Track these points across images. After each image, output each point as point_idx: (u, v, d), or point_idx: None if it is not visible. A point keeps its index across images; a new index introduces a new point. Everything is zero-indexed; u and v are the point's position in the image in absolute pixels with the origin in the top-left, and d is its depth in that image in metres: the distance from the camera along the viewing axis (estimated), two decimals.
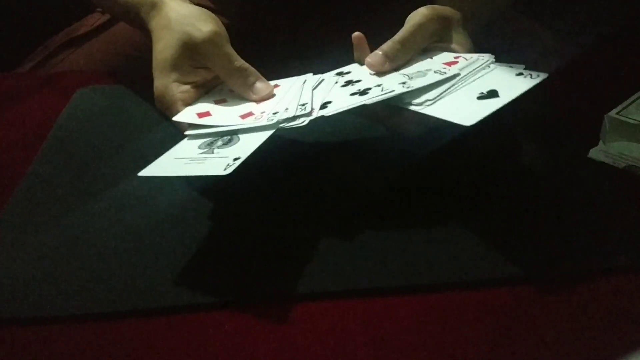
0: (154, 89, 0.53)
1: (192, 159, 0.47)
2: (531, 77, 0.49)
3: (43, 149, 0.57)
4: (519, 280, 0.44)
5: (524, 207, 0.51)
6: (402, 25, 0.56)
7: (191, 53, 0.53)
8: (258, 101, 0.53)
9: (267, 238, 0.47)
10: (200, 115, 0.52)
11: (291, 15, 0.76)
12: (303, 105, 0.50)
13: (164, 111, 0.54)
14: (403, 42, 0.53)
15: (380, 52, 0.53)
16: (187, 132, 0.52)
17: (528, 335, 0.40)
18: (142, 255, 0.45)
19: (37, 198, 0.51)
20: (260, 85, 0.54)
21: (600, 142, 0.56)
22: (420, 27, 0.54)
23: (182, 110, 0.53)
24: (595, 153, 0.57)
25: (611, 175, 0.55)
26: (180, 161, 0.48)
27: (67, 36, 0.81)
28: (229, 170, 0.43)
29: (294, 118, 0.49)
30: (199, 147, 0.49)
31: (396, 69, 0.53)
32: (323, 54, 0.60)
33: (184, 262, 0.45)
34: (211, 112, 0.53)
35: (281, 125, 0.48)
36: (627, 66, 0.73)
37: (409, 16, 0.55)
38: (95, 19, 0.81)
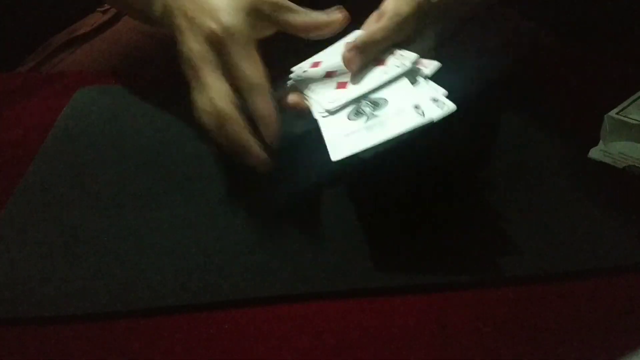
0: (226, 19, 0.47)
1: (365, 128, 0.46)
2: (422, 115, 0.45)
3: (43, 149, 0.57)
4: (519, 280, 0.44)
5: (524, 207, 0.51)
6: None
7: (259, 6, 0.49)
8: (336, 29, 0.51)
9: (267, 238, 0.47)
10: (340, 85, 0.50)
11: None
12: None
13: (230, 47, 0.47)
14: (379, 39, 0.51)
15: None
16: (329, 107, 0.49)
17: (528, 335, 0.40)
18: (142, 255, 0.45)
19: (37, 198, 0.51)
20: (336, 14, 0.51)
21: (600, 142, 0.56)
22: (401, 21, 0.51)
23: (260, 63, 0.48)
24: (595, 153, 0.57)
25: (611, 175, 0.55)
26: (355, 135, 0.45)
27: (67, 36, 0.81)
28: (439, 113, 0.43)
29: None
30: (350, 119, 0.47)
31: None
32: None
33: (184, 262, 0.45)
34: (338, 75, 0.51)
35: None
36: (627, 66, 0.73)
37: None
38: (96, 19, 0.81)
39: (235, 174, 0.54)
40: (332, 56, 0.56)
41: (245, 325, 0.41)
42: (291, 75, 0.56)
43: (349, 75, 0.52)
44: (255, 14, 0.49)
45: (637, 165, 0.54)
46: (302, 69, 0.57)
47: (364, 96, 0.50)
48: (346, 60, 0.51)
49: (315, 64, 0.57)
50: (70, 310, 0.41)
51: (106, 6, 0.82)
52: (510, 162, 0.57)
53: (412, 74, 0.50)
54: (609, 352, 0.39)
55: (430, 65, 0.51)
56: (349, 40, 0.54)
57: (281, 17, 0.50)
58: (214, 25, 0.47)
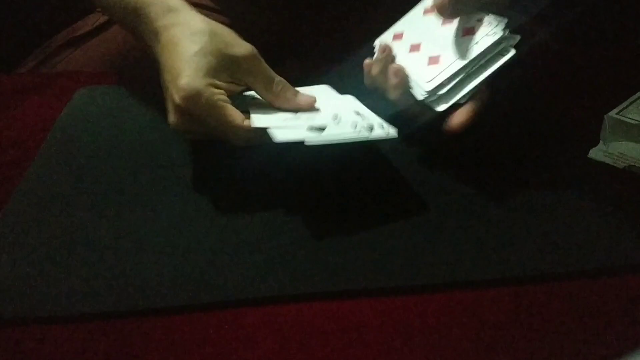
0: (183, 87, 0.50)
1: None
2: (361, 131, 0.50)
3: (43, 149, 0.57)
4: (519, 280, 0.44)
5: (524, 207, 0.51)
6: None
7: (231, 65, 0.52)
8: (304, 108, 0.54)
9: (266, 238, 0.47)
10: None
11: (290, 15, 0.76)
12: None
13: (189, 115, 0.51)
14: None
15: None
16: (429, 88, 0.52)
17: (528, 335, 0.40)
18: (142, 255, 0.45)
19: (37, 198, 0.51)
20: (302, 98, 0.54)
21: (600, 142, 0.56)
22: None
23: (228, 109, 0.51)
24: (595, 153, 0.57)
25: (611, 175, 0.55)
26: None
27: (67, 36, 0.81)
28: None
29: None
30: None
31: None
32: (321, 52, 0.60)
33: (184, 262, 0.45)
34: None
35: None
36: (627, 66, 0.73)
37: None
38: (95, 19, 0.81)
39: (235, 174, 0.54)
40: (412, 25, 0.57)
41: (245, 326, 0.41)
42: (376, 49, 0.57)
43: (437, 46, 0.53)
44: (216, 74, 0.51)
45: (637, 165, 0.55)
46: (384, 42, 0.57)
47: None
48: (439, 6, 0.52)
49: (398, 36, 0.57)
50: (70, 310, 0.41)
51: None
52: (510, 163, 0.57)
53: (502, 44, 0.52)
54: (609, 352, 0.39)
55: (515, 38, 0.52)
56: (427, 5, 0.55)
57: (244, 81, 0.53)
58: (175, 97, 0.50)
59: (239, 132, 0.51)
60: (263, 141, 0.50)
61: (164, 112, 0.63)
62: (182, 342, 0.40)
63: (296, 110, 0.54)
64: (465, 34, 0.53)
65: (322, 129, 0.49)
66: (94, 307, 0.41)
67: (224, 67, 0.52)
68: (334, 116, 0.52)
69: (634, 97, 0.58)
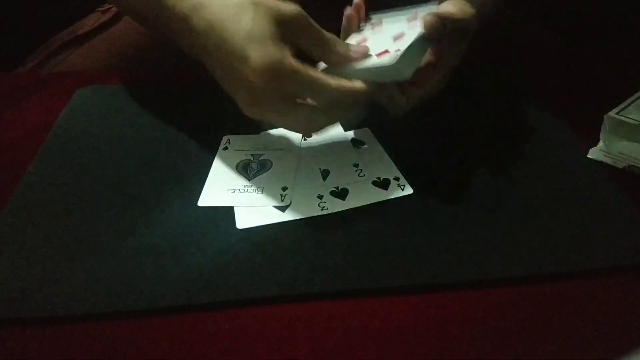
0: (259, 64, 0.45)
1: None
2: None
3: (43, 149, 0.57)
4: (519, 280, 0.44)
5: (524, 207, 0.51)
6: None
7: (286, 28, 0.48)
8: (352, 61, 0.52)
9: (266, 238, 0.47)
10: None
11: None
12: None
13: (277, 84, 0.46)
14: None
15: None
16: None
17: (528, 335, 0.40)
18: (142, 255, 0.45)
19: (37, 198, 0.51)
20: (354, 49, 0.52)
21: (600, 142, 0.56)
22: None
23: (309, 71, 0.47)
24: (595, 153, 0.57)
25: (611, 175, 0.55)
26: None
27: (67, 36, 0.81)
28: None
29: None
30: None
31: None
32: None
33: (184, 262, 0.45)
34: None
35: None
36: (627, 66, 0.73)
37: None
38: (96, 19, 0.81)
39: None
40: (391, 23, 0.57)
41: (245, 325, 0.41)
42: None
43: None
44: (280, 40, 0.47)
45: (637, 165, 0.55)
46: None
47: None
48: (427, 25, 0.51)
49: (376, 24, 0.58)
50: (70, 311, 0.41)
51: (106, 6, 0.82)
52: (510, 162, 0.57)
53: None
54: (609, 352, 0.39)
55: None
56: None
57: (296, 41, 0.49)
58: (253, 77, 0.46)
59: (334, 92, 0.47)
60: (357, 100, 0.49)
61: (164, 112, 0.63)
62: (182, 342, 0.40)
63: (349, 61, 0.51)
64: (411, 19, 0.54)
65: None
66: (94, 308, 0.41)
67: (282, 31, 0.48)
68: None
69: (634, 97, 0.58)
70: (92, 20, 0.81)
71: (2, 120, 0.63)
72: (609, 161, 0.56)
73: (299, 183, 0.53)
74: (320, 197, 0.51)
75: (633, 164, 0.55)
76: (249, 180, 0.53)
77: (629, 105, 0.57)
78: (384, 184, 0.53)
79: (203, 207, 0.50)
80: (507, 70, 0.73)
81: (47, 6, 0.89)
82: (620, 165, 0.55)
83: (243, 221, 0.49)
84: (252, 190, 0.52)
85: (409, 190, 0.52)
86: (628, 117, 0.55)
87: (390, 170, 0.54)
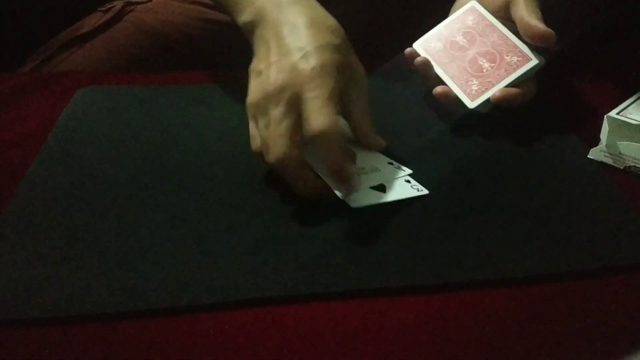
0: (325, 128, 0.46)
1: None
2: (417, 190, 0.52)
3: (43, 149, 0.57)
4: (519, 280, 0.44)
5: (524, 207, 0.51)
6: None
7: (346, 66, 0.50)
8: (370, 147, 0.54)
9: (267, 238, 0.47)
10: None
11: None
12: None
13: (336, 152, 0.47)
14: None
15: None
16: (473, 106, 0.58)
17: (528, 335, 0.40)
18: (142, 255, 0.45)
19: (37, 198, 0.51)
20: (378, 138, 0.54)
21: (600, 142, 0.56)
22: None
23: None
24: (595, 153, 0.57)
25: (611, 175, 0.55)
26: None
27: (68, 36, 0.81)
28: None
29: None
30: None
31: None
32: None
33: (184, 262, 0.45)
34: None
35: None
36: (627, 66, 0.73)
37: None
38: (96, 19, 0.81)
39: (235, 174, 0.54)
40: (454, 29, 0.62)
41: (245, 325, 0.41)
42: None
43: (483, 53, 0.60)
44: (342, 71, 0.49)
45: (637, 165, 0.54)
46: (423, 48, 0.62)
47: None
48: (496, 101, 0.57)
49: (439, 39, 0.63)
50: (70, 311, 0.41)
51: (107, 6, 0.82)
52: (511, 162, 0.57)
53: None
54: (609, 352, 0.39)
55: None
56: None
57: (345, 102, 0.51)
58: (304, 65, 0.47)
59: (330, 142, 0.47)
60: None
61: (164, 112, 0.63)
62: (182, 342, 0.40)
63: (370, 148, 0.54)
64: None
65: (382, 189, 0.51)
66: (94, 308, 0.41)
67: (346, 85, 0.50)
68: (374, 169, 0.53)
69: (634, 97, 0.58)
70: (93, 20, 0.81)
71: (2, 120, 0.63)
72: (609, 161, 0.56)
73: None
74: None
75: (633, 164, 0.55)
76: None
77: (629, 105, 0.57)
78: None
79: (204, 207, 0.50)
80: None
81: (47, 6, 0.89)
82: (621, 165, 0.55)
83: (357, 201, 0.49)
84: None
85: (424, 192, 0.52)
86: (628, 117, 0.55)
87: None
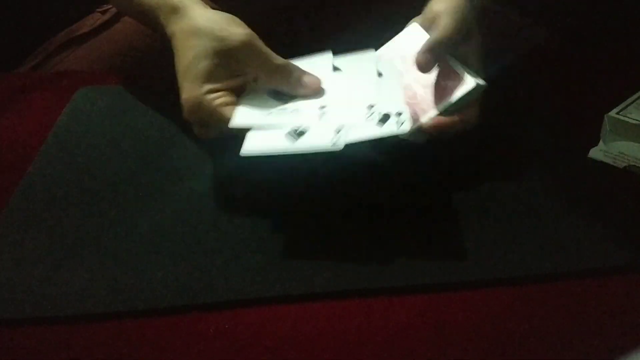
0: (184, 102, 0.50)
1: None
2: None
3: (43, 149, 0.57)
4: (519, 280, 0.44)
5: (524, 207, 0.51)
6: (402, 20, 0.56)
7: (227, 60, 0.50)
8: (307, 95, 0.52)
9: (267, 238, 0.47)
10: None
11: (290, 17, 0.76)
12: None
13: (197, 123, 0.51)
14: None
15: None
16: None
17: (528, 335, 0.40)
18: (142, 255, 0.45)
19: (37, 198, 0.51)
20: (307, 79, 0.52)
21: (600, 142, 0.56)
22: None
23: (226, 114, 0.49)
24: (595, 153, 0.57)
25: (611, 175, 0.55)
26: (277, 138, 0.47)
27: (67, 36, 0.80)
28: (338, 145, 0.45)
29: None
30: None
31: None
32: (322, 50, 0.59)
33: (184, 262, 0.45)
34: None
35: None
36: (627, 66, 0.73)
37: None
38: (95, 19, 0.81)
39: (236, 174, 0.54)
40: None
41: (245, 325, 0.41)
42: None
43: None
44: (213, 76, 0.50)
45: (637, 165, 0.55)
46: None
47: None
48: (422, 64, 0.51)
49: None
50: (70, 311, 0.41)
51: (106, 6, 0.82)
52: (510, 162, 0.57)
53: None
54: (609, 352, 0.39)
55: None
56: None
57: (245, 71, 0.51)
58: (183, 110, 0.50)
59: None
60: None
61: (164, 112, 0.63)
62: (182, 342, 0.40)
63: (302, 95, 0.52)
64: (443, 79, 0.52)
65: (301, 133, 0.47)
66: (94, 308, 0.41)
67: (222, 64, 0.50)
68: (321, 113, 0.49)
69: (634, 97, 0.58)
70: (91, 21, 0.81)
71: (2, 120, 0.63)
72: (609, 161, 0.56)
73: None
74: (338, 131, 0.47)
75: (633, 163, 0.55)
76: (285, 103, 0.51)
77: (629, 105, 0.57)
78: (384, 119, 0.48)
79: (204, 207, 0.50)
80: (507, 70, 0.73)
81: (47, 6, 0.89)
82: (621, 165, 0.55)
83: (250, 145, 0.47)
84: (287, 112, 0.50)
85: (404, 128, 0.46)
86: (628, 117, 0.55)
87: (396, 104, 0.49)
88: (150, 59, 0.78)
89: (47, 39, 0.82)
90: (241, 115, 0.49)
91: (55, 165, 0.55)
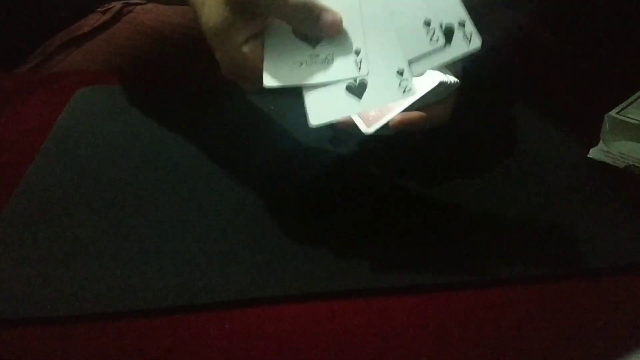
0: (222, 62, 0.47)
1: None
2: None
3: (43, 149, 0.57)
4: (518, 280, 0.44)
5: (524, 207, 0.51)
6: None
7: (242, 6, 0.46)
8: (329, 35, 0.45)
9: (267, 238, 0.47)
10: None
11: None
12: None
13: (238, 79, 0.48)
14: None
15: None
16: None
17: (528, 335, 0.40)
18: (142, 255, 0.45)
19: (37, 198, 0.51)
20: (327, 17, 0.45)
21: (600, 142, 0.56)
22: None
23: (258, 66, 0.46)
24: (595, 153, 0.57)
25: (611, 175, 0.55)
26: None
27: (67, 36, 0.81)
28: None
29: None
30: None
31: None
32: None
33: (184, 262, 0.45)
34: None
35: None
36: (627, 66, 0.73)
37: None
38: (95, 19, 0.81)
39: (235, 174, 0.54)
40: None
41: (245, 325, 0.41)
42: None
43: None
44: (241, 21, 0.47)
45: (637, 165, 0.55)
46: None
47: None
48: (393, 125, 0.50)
49: None
50: (70, 311, 0.41)
51: (106, 6, 0.82)
52: (510, 162, 0.57)
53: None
54: (609, 352, 0.39)
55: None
56: None
57: (265, 14, 0.47)
58: (206, 32, 0.48)
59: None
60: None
61: (164, 111, 0.63)
62: (182, 342, 0.40)
63: (328, 36, 0.45)
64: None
65: (362, 86, 0.43)
66: (94, 308, 0.41)
67: (236, 11, 0.46)
68: (364, 54, 0.44)
69: (634, 97, 0.58)
70: (92, 21, 0.81)
71: (2, 120, 0.63)
72: (609, 161, 0.56)
73: (371, 48, 0.44)
74: (401, 73, 0.42)
75: (633, 163, 0.55)
76: (314, 48, 0.45)
77: (629, 105, 0.57)
78: (448, 36, 0.41)
79: (204, 207, 0.50)
80: (507, 70, 0.73)
81: (47, 6, 0.89)
82: (621, 165, 0.55)
83: (316, 116, 0.43)
84: (320, 61, 0.44)
85: (475, 43, 0.41)
86: (628, 117, 0.55)
87: (455, 13, 0.41)
88: (150, 59, 0.78)
89: (47, 39, 0.82)
90: (272, 73, 0.45)
91: (55, 165, 0.55)
